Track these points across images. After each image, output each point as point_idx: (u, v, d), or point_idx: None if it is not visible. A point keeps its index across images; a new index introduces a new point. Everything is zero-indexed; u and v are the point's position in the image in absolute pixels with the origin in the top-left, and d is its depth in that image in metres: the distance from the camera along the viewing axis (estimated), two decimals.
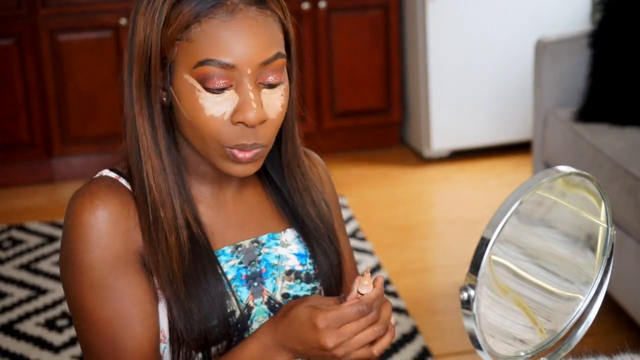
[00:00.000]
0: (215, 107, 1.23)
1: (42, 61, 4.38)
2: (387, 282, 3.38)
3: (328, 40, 4.60)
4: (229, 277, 1.32)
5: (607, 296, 2.22)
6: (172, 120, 1.30)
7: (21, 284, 3.47)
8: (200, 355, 1.29)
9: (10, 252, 3.75)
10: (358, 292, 1.20)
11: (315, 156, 1.49)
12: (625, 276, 2.83)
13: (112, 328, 1.26)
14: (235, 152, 1.25)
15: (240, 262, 1.34)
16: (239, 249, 1.34)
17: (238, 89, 1.23)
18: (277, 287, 1.35)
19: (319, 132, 4.68)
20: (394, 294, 3.30)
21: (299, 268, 1.37)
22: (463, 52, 4.49)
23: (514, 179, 4.33)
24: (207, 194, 1.35)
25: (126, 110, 1.29)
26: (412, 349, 2.97)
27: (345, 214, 3.97)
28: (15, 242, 3.84)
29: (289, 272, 1.36)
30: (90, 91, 4.44)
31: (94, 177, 1.33)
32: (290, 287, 1.36)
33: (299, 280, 1.36)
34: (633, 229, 2.80)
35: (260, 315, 1.33)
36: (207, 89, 1.23)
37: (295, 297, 1.35)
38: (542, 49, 3.49)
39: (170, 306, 1.27)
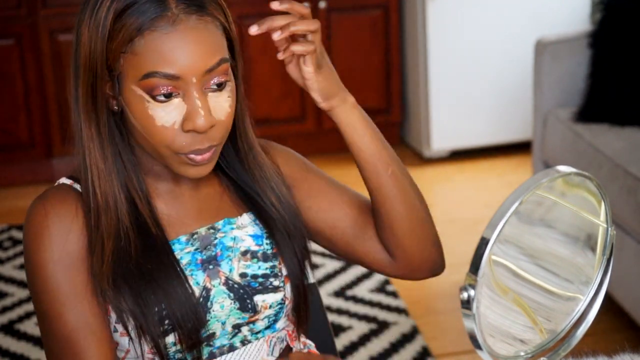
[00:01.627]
0: (165, 117, 1.27)
1: (42, 61, 4.38)
2: (387, 282, 3.38)
3: (328, 40, 4.60)
4: (184, 262, 1.35)
5: (607, 296, 2.21)
6: (124, 126, 1.33)
7: (21, 284, 3.47)
8: (167, 340, 1.32)
9: (10, 252, 3.75)
10: None
11: (271, 144, 1.50)
12: (625, 276, 2.83)
13: (76, 333, 1.30)
14: (192, 156, 1.29)
15: (196, 249, 1.37)
16: (195, 236, 1.38)
17: (185, 97, 1.27)
18: (234, 267, 1.37)
19: (319, 132, 4.68)
20: (394, 294, 3.30)
21: (254, 248, 1.39)
22: (463, 52, 4.49)
23: (514, 179, 4.33)
24: (163, 189, 1.38)
25: (74, 119, 1.33)
26: (412, 349, 2.97)
27: None
28: (16, 242, 3.83)
29: (244, 253, 1.39)
30: None
31: (54, 185, 1.38)
32: (248, 266, 1.38)
33: (255, 260, 1.39)
34: (633, 229, 2.80)
35: (219, 296, 1.36)
36: (155, 99, 1.26)
37: (254, 276, 1.38)
38: (542, 49, 3.48)
39: (117, 307, 1.30)
